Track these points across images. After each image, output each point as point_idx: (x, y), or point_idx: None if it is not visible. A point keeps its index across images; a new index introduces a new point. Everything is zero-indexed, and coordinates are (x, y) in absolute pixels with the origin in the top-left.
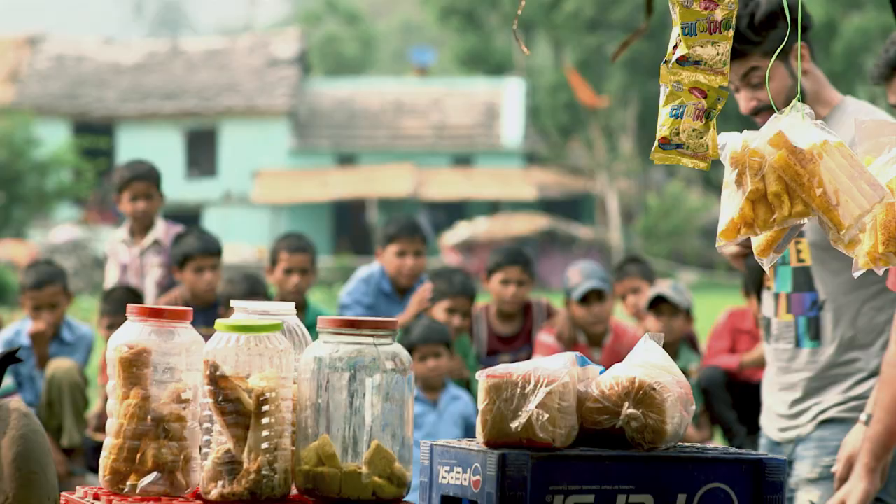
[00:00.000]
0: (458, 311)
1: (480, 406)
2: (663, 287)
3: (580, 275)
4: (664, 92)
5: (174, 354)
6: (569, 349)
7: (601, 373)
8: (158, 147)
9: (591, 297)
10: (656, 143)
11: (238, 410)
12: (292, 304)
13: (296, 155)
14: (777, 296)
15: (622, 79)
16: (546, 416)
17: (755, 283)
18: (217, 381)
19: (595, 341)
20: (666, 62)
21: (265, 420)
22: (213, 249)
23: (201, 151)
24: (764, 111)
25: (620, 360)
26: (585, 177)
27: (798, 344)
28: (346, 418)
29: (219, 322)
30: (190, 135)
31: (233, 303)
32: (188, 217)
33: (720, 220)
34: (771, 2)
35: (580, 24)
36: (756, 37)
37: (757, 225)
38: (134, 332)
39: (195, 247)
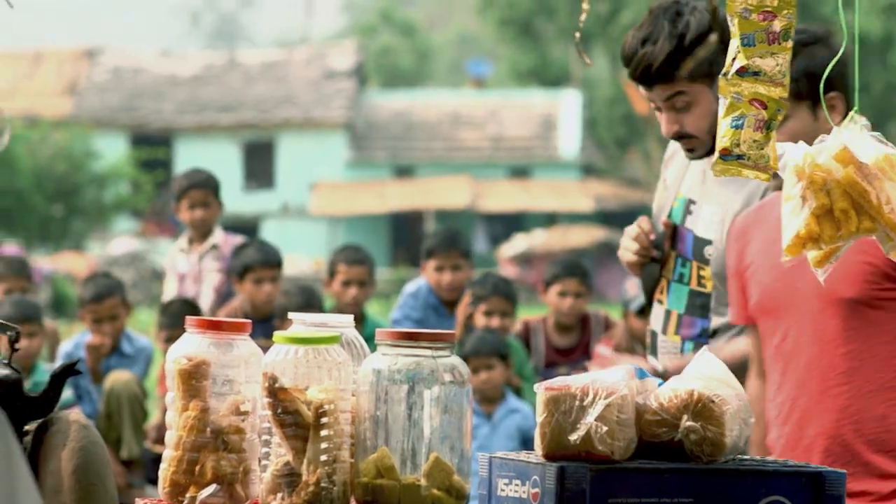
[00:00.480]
0: (495, 312)
1: (539, 419)
2: None
3: (638, 286)
4: (724, 103)
5: (233, 366)
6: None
7: (659, 385)
8: (216, 159)
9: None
10: (717, 155)
11: (297, 423)
12: (350, 317)
13: (353, 167)
14: (668, 313)
15: None
16: (605, 428)
17: (648, 294)
18: (276, 393)
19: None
20: (725, 74)
21: (324, 432)
22: (272, 261)
23: (258, 163)
24: (686, 138)
25: (678, 372)
26: (643, 188)
27: None
28: (405, 430)
29: (277, 334)
30: (247, 147)
31: (291, 315)
32: (246, 229)
33: (784, 235)
34: (700, 23)
35: None
36: (683, 63)
37: (823, 240)
38: (193, 344)
39: (255, 258)
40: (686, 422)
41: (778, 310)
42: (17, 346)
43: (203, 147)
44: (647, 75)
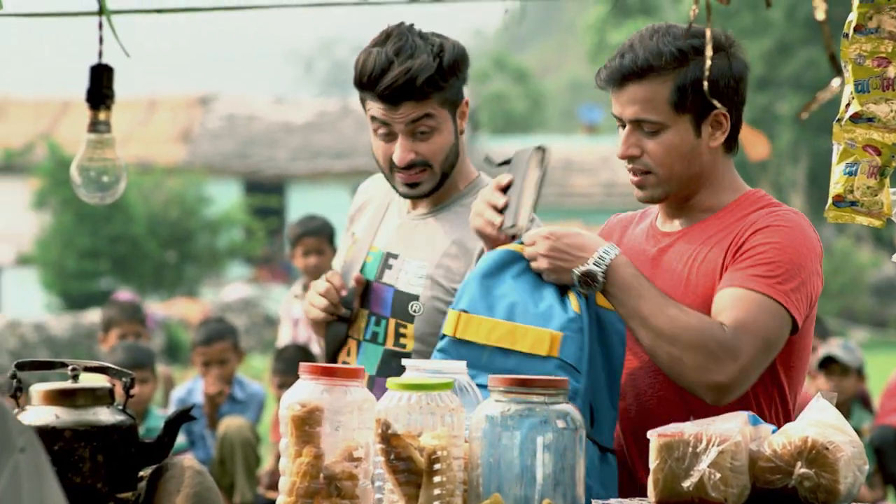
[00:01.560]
0: None
1: (652, 465)
2: (833, 347)
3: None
4: (837, 150)
5: (346, 412)
6: None
7: (773, 432)
8: (328, 205)
9: None
10: (830, 201)
11: (410, 469)
12: (463, 363)
13: None
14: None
15: (791, 135)
16: (718, 475)
17: (330, 355)
18: (389, 439)
19: None
20: (839, 120)
21: (437, 479)
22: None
23: None
24: (421, 168)
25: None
26: None
27: None
28: (518, 477)
29: (391, 381)
30: None
31: (405, 361)
32: None
33: None
34: (457, 49)
35: (750, 82)
36: (443, 82)
37: None
38: (306, 390)
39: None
40: (800, 469)
41: None
42: (131, 391)
43: (316, 193)
44: (406, 90)
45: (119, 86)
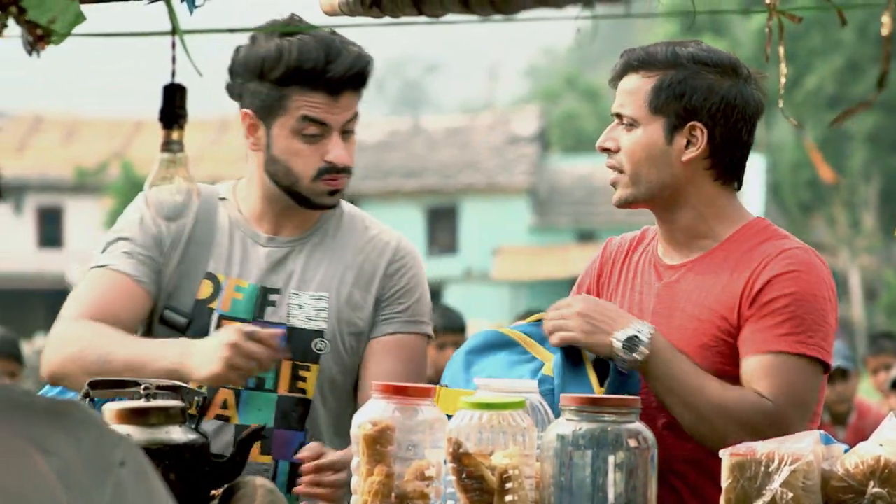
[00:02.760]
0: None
1: (724, 484)
2: None
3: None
4: None
5: (418, 431)
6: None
7: (845, 451)
8: (399, 224)
9: (836, 376)
10: None
11: (481, 488)
12: (535, 382)
13: (535, 232)
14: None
15: (864, 154)
16: (790, 494)
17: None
18: (460, 458)
19: (839, 420)
20: None
21: (508, 497)
22: (455, 326)
23: (442, 228)
24: (346, 172)
25: (865, 438)
26: (827, 253)
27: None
28: (589, 496)
29: (463, 399)
30: (430, 212)
31: (476, 380)
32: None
33: None
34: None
35: (821, 101)
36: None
37: None
38: (378, 409)
39: (438, 323)
40: (873, 488)
41: None
42: (205, 411)
43: (387, 212)
44: (356, 78)
45: (191, 106)
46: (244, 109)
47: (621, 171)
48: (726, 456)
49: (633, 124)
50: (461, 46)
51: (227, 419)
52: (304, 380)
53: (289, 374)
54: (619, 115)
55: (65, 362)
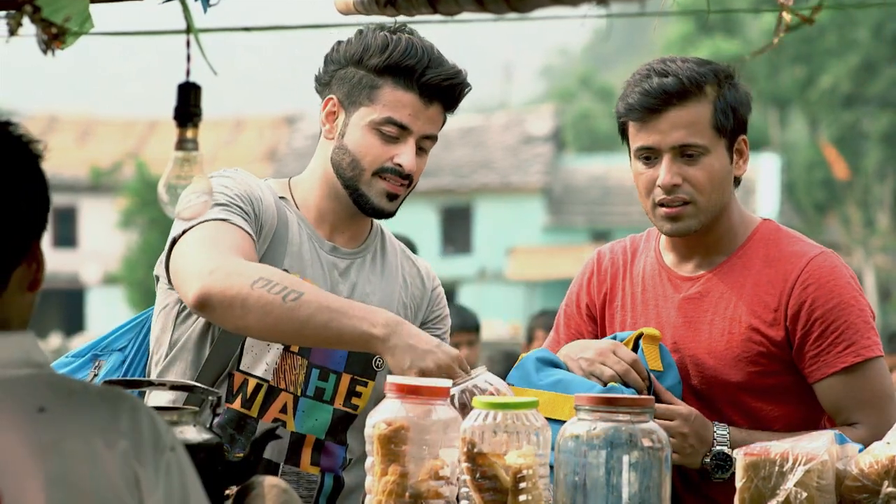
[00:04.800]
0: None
1: (738, 484)
2: None
3: None
4: None
5: (432, 431)
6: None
7: (860, 451)
8: (414, 224)
9: None
10: None
11: (495, 487)
12: None
13: (550, 231)
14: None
15: (879, 154)
16: (804, 494)
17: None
18: (475, 457)
19: None
20: None
21: (522, 497)
22: (469, 325)
23: (456, 228)
24: (409, 180)
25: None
26: (842, 252)
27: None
28: (603, 495)
29: (476, 399)
30: (445, 212)
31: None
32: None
33: None
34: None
35: (836, 100)
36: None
37: None
38: (392, 409)
39: (453, 323)
40: (887, 488)
41: None
42: (218, 411)
43: (401, 212)
44: (450, 91)
45: (206, 106)
46: (329, 95)
47: (686, 203)
48: (740, 456)
49: (702, 153)
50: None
51: (283, 423)
52: (359, 395)
53: (346, 389)
54: (682, 149)
55: (242, 288)
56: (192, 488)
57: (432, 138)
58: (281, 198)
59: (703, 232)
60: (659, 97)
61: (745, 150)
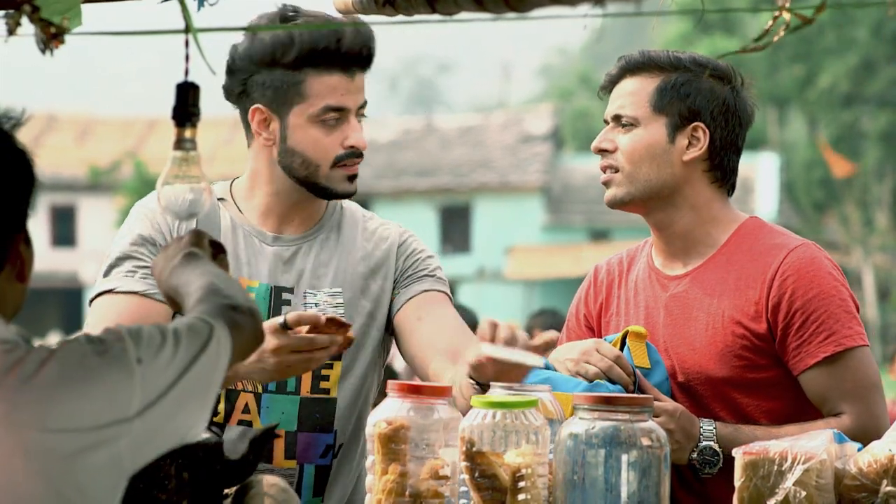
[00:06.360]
0: None
1: (737, 483)
2: None
3: None
4: None
5: (432, 431)
6: None
7: (859, 450)
8: (412, 223)
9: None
10: None
11: (494, 486)
12: (547, 386)
13: (548, 230)
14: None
15: (877, 153)
16: (803, 493)
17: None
18: (473, 456)
19: None
20: None
21: (521, 496)
22: (468, 325)
23: (455, 227)
24: (361, 157)
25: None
26: (840, 252)
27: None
28: (602, 495)
29: (475, 398)
30: (444, 211)
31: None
32: None
33: None
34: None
35: (835, 100)
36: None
37: None
38: (393, 408)
39: None
40: (886, 487)
41: None
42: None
43: (400, 211)
44: (366, 54)
45: (205, 105)
46: (254, 105)
47: (616, 171)
48: (739, 455)
49: (633, 124)
50: (474, 45)
51: (249, 424)
52: (326, 379)
53: (310, 375)
54: (616, 117)
55: None
56: None
57: (365, 104)
58: (220, 199)
59: (659, 214)
60: (619, 68)
61: (701, 138)
